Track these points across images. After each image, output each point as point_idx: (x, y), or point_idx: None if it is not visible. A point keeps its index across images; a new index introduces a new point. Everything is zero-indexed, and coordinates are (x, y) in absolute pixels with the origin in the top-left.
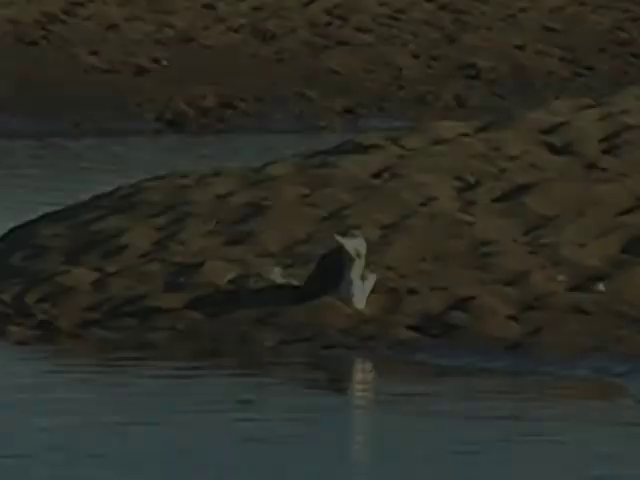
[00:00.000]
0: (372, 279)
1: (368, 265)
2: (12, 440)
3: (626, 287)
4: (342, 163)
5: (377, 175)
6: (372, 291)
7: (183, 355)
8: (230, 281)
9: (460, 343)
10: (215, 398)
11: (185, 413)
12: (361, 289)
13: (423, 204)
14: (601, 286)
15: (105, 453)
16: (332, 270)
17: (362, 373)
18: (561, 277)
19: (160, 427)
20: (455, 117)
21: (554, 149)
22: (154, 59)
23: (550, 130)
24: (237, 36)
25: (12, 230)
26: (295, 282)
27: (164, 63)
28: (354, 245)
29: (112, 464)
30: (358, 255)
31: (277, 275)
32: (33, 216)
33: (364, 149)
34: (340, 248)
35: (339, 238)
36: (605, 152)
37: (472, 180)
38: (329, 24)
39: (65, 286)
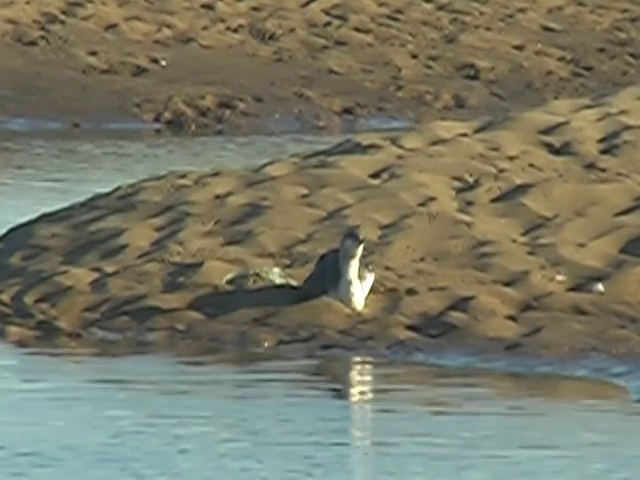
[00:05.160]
0: (371, 279)
1: (367, 265)
2: (12, 440)
3: (626, 287)
4: (341, 163)
5: (376, 175)
6: (371, 291)
7: (182, 355)
8: (229, 281)
9: (459, 343)
10: (213, 397)
11: (184, 412)
12: (360, 289)
13: (422, 204)
14: (600, 287)
15: (107, 452)
16: (331, 270)
17: (361, 373)
18: (560, 277)
19: (160, 426)
20: (454, 117)
21: (553, 149)
22: (153, 59)
23: (549, 130)
24: (236, 36)
25: (11, 230)
26: (294, 282)
27: (163, 63)
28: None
29: (113, 464)
30: (360, 254)
31: (276, 275)
32: (32, 216)
33: (363, 149)
34: (338, 248)
35: (360, 231)
36: (604, 152)
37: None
38: (328, 24)
39: (64, 286)
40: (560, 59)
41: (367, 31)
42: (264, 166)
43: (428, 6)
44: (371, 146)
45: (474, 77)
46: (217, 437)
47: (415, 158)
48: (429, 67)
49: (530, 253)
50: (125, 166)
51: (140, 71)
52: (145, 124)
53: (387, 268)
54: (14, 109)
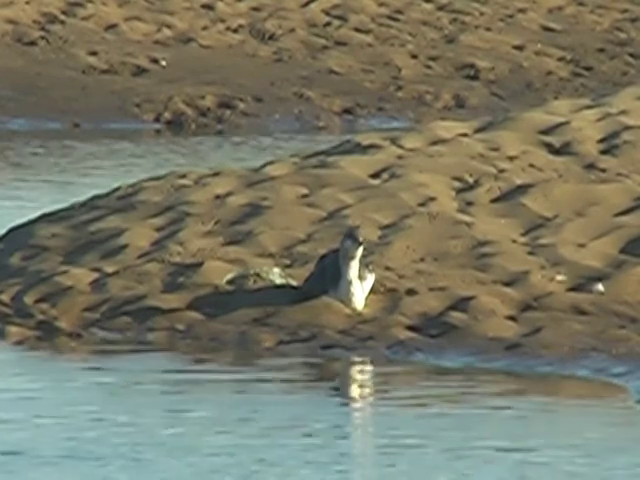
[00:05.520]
0: (371, 279)
1: (367, 265)
2: (11, 440)
3: (626, 287)
4: (341, 163)
5: (376, 175)
6: (371, 291)
7: (182, 355)
8: (229, 281)
9: (459, 343)
10: (213, 397)
11: (184, 412)
12: (360, 289)
13: (422, 204)
14: (600, 287)
15: (107, 452)
16: (331, 270)
17: (361, 373)
18: (560, 277)
19: (160, 427)
20: (454, 117)
21: (553, 149)
22: (153, 59)
23: (549, 130)
24: (236, 36)
25: (11, 230)
26: (294, 282)
27: (163, 63)
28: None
29: (114, 464)
30: (360, 255)
31: (276, 275)
32: (32, 216)
33: (363, 149)
34: (338, 248)
35: (359, 232)
36: (604, 152)
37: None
38: (328, 24)
39: (64, 286)
40: (560, 59)
41: (367, 31)
42: (264, 166)
43: (428, 6)
44: (371, 146)
45: (474, 77)
46: (216, 436)
47: (415, 158)
48: (429, 67)
49: (530, 253)
50: (125, 166)
51: (140, 71)
52: (145, 124)
53: (387, 268)
54: (14, 109)
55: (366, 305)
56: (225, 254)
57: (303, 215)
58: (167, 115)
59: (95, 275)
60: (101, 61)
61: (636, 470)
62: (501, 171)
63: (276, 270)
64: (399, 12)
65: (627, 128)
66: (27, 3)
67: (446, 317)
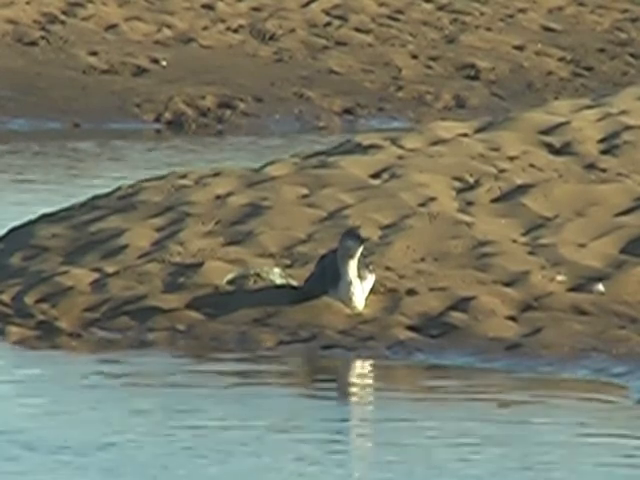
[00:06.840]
0: (371, 279)
1: (367, 265)
2: (11, 440)
3: (626, 287)
4: (341, 163)
5: (376, 175)
6: (371, 291)
7: (182, 355)
8: (229, 281)
9: (459, 343)
10: (212, 397)
11: (184, 412)
12: (360, 289)
13: (422, 204)
14: (600, 287)
15: (107, 450)
16: (331, 270)
17: (361, 373)
18: (560, 277)
19: (160, 427)
20: (454, 117)
21: (553, 149)
22: (153, 59)
23: (549, 130)
24: (236, 36)
25: (11, 230)
26: (294, 282)
27: (163, 63)
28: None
29: (116, 465)
30: (360, 254)
31: (276, 275)
32: (32, 216)
33: (363, 149)
34: (337, 249)
35: (360, 231)
36: (604, 152)
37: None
38: (328, 24)
39: (64, 286)
40: (560, 59)
41: (367, 31)
42: (264, 166)
43: (428, 6)
44: (371, 146)
45: (474, 77)
46: (215, 437)
47: (415, 158)
48: (429, 67)
49: (530, 253)
50: (125, 166)
51: (140, 71)
52: (145, 124)
53: (387, 268)
54: (14, 109)
55: (366, 305)
56: (225, 254)
57: (303, 215)
58: (167, 115)
59: (95, 275)
60: (101, 61)
61: (635, 470)
62: (501, 171)
63: (276, 270)
64: (399, 12)
65: (627, 128)
66: (27, 3)
67: (446, 317)
